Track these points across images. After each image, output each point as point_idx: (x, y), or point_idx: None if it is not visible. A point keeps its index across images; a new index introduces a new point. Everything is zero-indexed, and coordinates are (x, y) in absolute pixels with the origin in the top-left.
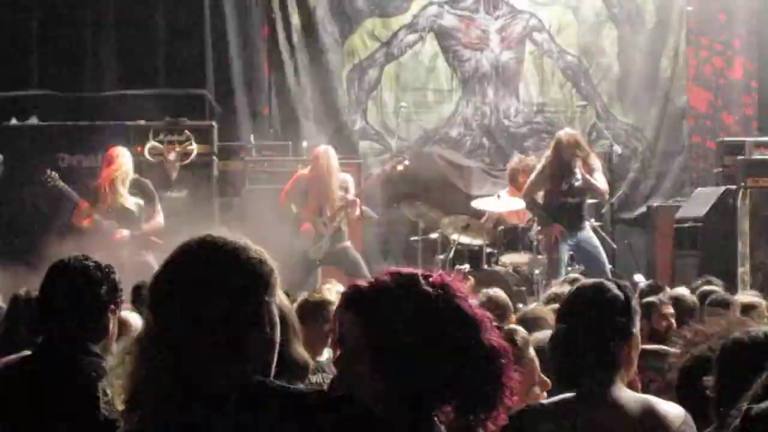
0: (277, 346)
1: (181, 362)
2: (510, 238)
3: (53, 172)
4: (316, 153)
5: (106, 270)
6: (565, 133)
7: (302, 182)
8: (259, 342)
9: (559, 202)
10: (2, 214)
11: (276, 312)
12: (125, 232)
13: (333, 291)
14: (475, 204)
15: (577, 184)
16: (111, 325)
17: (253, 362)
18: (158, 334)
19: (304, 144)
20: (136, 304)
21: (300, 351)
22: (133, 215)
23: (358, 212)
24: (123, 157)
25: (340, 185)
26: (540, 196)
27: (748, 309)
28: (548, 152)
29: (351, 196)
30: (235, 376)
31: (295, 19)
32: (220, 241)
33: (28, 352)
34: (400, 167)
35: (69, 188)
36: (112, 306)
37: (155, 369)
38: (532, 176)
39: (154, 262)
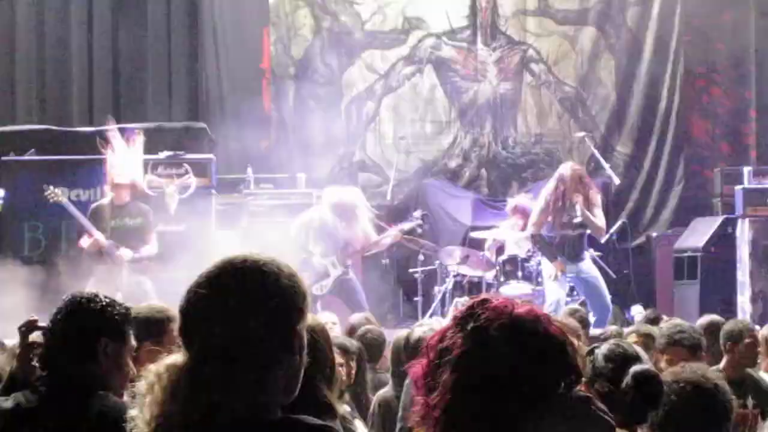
0: (302, 374)
1: (210, 390)
2: (510, 268)
3: (56, 188)
4: (348, 200)
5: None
6: (568, 167)
7: (316, 219)
8: (287, 369)
9: (560, 234)
10: (4, 248)
11: (305, 339)
12: (125, 252)
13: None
14: (475, 234)
15: (575, 221)
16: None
17: (280, 391)
18: (187, 361)
19: (302, 177)
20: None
21: (328, 394)
22: (132, 234)
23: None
24: (128, 184)
25: (361, 229)
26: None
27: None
28: (550, 184)
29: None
30: (262, 406)
31: (294, 52)
32: (252, 264)
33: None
34: (419, 230)
35: (73, 208)
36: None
37: (183, 398)
38: (536, 210)
39: (152, 289)
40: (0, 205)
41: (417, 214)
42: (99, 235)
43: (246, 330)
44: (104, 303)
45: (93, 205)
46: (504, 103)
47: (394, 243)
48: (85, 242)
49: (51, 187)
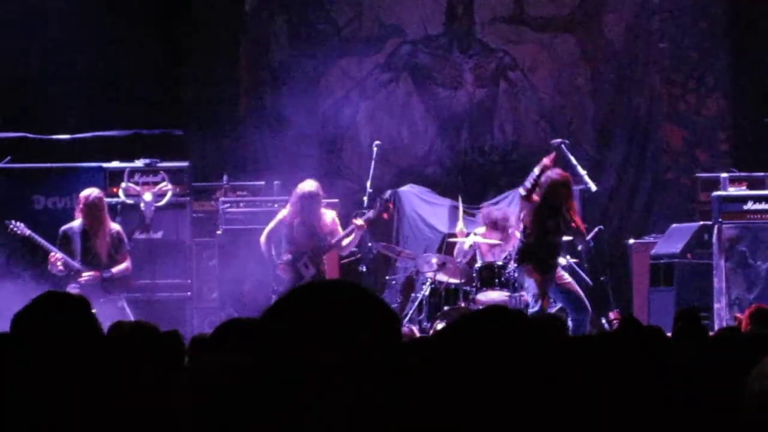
0: None
1: None
2: (486, 275)
3: (18, 223)
4: (301, 191)
5: None
6: (558, 174)
7: (283, 225)
8: None
9: (540, 240)
10: None
11: None
12: (94, 274)
13: None
14: (452, 240)
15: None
16: None
17: None
18: None
19: (277, 183)
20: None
21: None
22: (101, 262)
23: (348, 242)
24: (96, 203)
25: (326, 224)
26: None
27: None
28: (538, 190)
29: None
30: None
31: (270, 59)
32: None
33: None
34: (386, 215)
35: (38, 236)
36: None
37: None
38: (528, 220)
39: (127, 307)
40: None
41: (385, 196)
42: (67, 260)
43: None
44: None
45: (62, 229)
46: (480, 110)
47: (358, 236)
48: (53, 266)
49: (12, 222)
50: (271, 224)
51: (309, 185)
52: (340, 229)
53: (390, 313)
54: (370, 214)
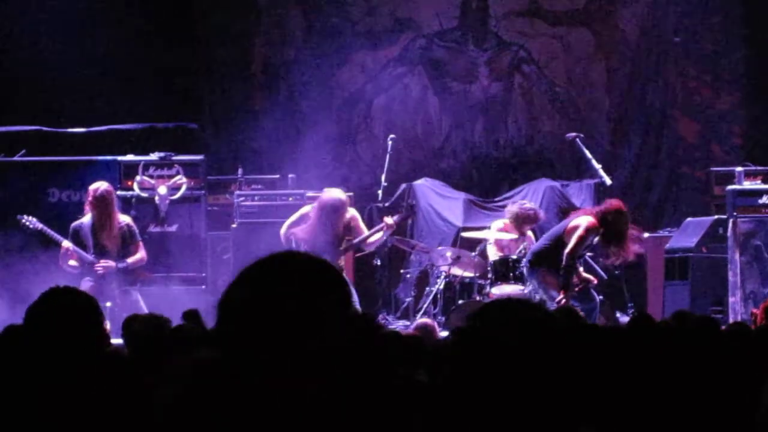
0: None
1: None
2: (501, 270)
3: (30, 217)
4: (328, 201)
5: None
6: (618, 204)
7: (305, 219)
8: None
9: (572, 259)
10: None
11: None
12: (110, 263)
13: None
14: (467, 235)
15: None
16: None
17: None
18: None
19: (292, 177)
20: (126, 337)
21: None
22: (112, 256)
23: (375, 240)
24: (107, 196)
25: (348, 223)
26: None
27: None
28: (596, 223)
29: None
30: None
31: (285, 52)
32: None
33: None
34: (410, 220)
35: (50, 230)
36: None
37: None
38: (578, 242)
39: (141, 299)
40: None
41: (399, 190)
42: (80, 252)
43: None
44: None
45: (72, 225)
46: (495, 104)
47: (386, 235)
48: (64, 260)
49: (25, 216)
50: (293, 217)
51: (336, 194)
52: (362, 226)
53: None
54: (397, 218)
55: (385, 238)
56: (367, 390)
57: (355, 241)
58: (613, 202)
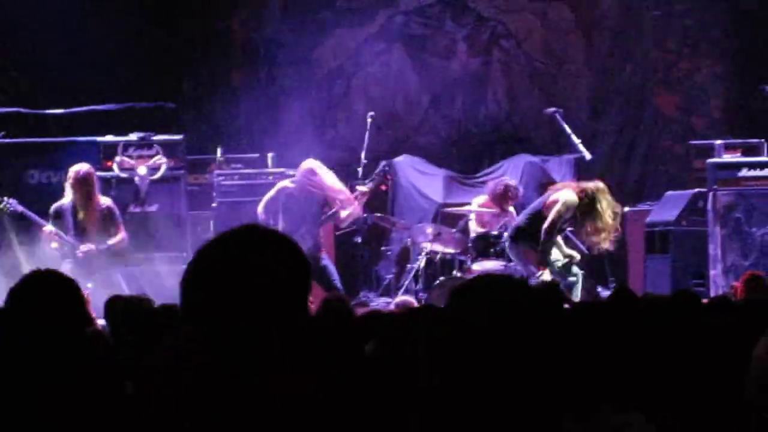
0: None
1: None
2: (482, 245)
3: (10, 199)
4: (306, 166)
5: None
6: (602, 186)
7: (282, 195)
8: None
9: (550, 235)
10: None
11: None
12: (91, 246)
13: None
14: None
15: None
16: None
17: None
18: None
19: (272, 156)
20: (108, 318)
21: None
22: (92, 237)
23: (348, 214)
24: (87, 177)
25: (325, 197)
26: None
27: None
28: (575, 198)
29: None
30: None
31: (265, 30)
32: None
33: None
34: (384, 187)
35: (31, 213)
36: None
37: None
38: (556, 217)
39: (123, 280)
40: None
41: (380, 167)
42: (61, 234)
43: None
44: None
45: (53, 207)
46: (474, 80)
47: (361, 204)
48: (46, 242)
49: (4, 198)
50: (270, 193)
51: (310, 162)
52: (340, 187)
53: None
54: (370, 184)
55: (360, 210)
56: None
57: (330, 212)
58: (598, 183)
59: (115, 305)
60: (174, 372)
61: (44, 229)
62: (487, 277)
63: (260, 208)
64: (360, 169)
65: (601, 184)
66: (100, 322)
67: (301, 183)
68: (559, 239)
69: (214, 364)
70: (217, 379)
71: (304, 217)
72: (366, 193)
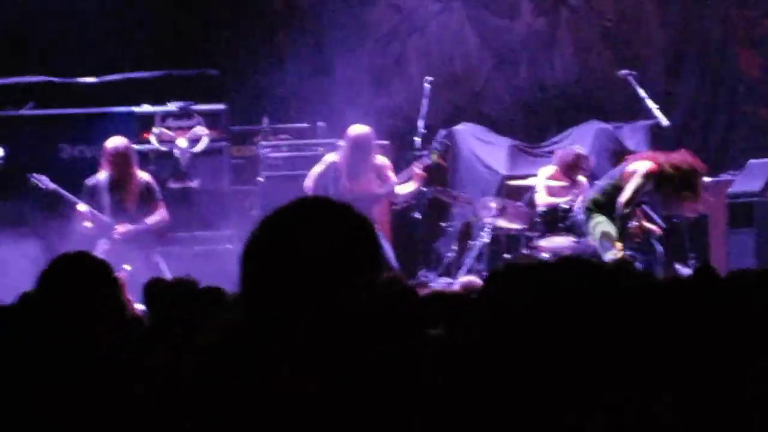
0: None
1: None
2: (550, 220)
3: (41, 176)
4: (353, 136)
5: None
6: (697, 164)
7: (332, 168)
8: None
9: (629, 208)
10: (5, 208)
11: None
12: (128, 225)
13: None
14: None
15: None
16: None
17: None
18: None
19: (321, 125)
20: (148, 303)
21: None
22: (132, 216)
23: (405, 192)
24: (124, 151)
25: (377, 171)
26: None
27: None
28: (655, 169)
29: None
30: None
31: None
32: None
33: None
34: (439, 160)
35: (62, 190)
36: None
37: None
38: (635, 190)
39: (162, 261)
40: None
41: (439, 137)
42: (96, 214)
43: None
44: None
45: (87, 182)
46: (539, 42)
47: (418, 184)
48: (80, 222)
49: (35, 175)
50: (318, 168)
51: (361, 129)
52: (392, 175)
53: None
54: (427, 159)
55: (416, 188)
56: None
57: (383, 191)
58: (687, 157)
59: (155, 288)
60: (174, 372)
61: (77, 207)
62: (532, 263)
63: (308, 183)
64: (417, 139)
65: (688, 158)
66: (139, 307)
67: (348, 153)
68: (637, 212)
69: (226, 360)
70: (218, 379)
71: (355, 193)
72: (422, 174)
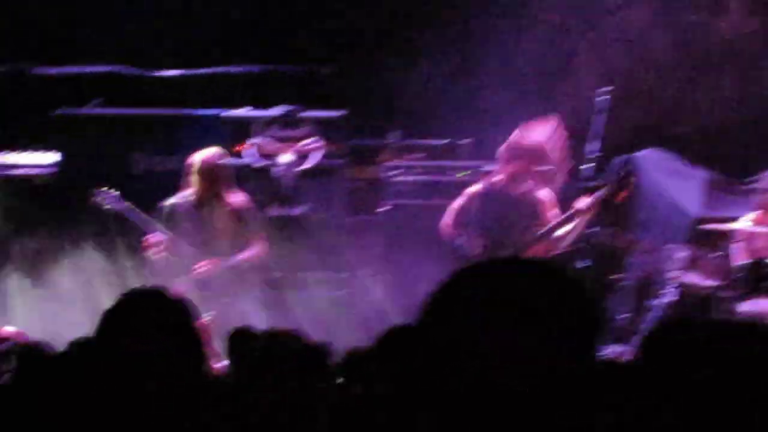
0: None
1: None
2: (753, 277)
3: (109, 191)
4: (513, 145)
5: None
6: None
7: (475, 202)
8: None
9: None
10: (58, 230)
11: None
12: (215, 260)
13: None
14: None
15: None
16: None
17: None
18: None
19: (465, 143)
20: (234, 359)
21: None
22: (223, 244)
23: (567, 233)
24: (215, 167)
25: (533, 207)
26: None
27: None
28: None
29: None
30: None
31: None
32: None
33: None
34: (623, 195)
35: (135, 212)
36: None
37: None
38: None
39: (257, 307)
40: (52, 174)
41: (615, 165)
42: (175, 244)
43: None
44: None
45: (166, 203)
46: (750, 47)
47: (580, 226)
48: (154, 253)
49: (102, 191)
50: (459, 201)
51: (522, 138)
52: (552, 212)
53: (587, 299)
54: (601, 192)
55: (579, 230)
56: None
57: (538, 233)
58: None
59: (242, 341)
60: None
61: (152, 234)
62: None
63: (447, 220)
64: (586, 166)
65: None
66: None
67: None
68: None
69: None
70: None
71: (505, 232)
72: (587, 210)
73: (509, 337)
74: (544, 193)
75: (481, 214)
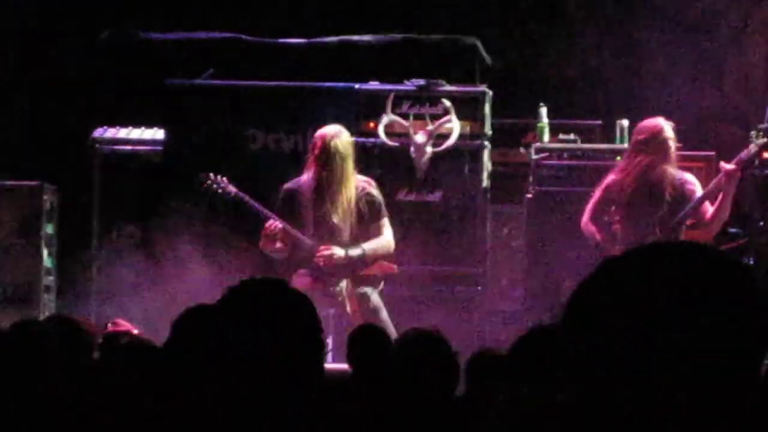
0: None
1: None
2: None
3: (220, 177)
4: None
5: None
6: None
7: (613, 192)
8: None
9: None
10: (168, 212)
11: None
12: (338, 250)
13: None
14: None
15: None
16: None
17: None
18: None
19: (623, 124)
20: (353, 359)
21: None
22: (343, 236)
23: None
24: (339, 147)
25: (680, 189)
26: None
27: None
28: None
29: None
30: None
31: None
32: None
33: None
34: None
35: (248, 198)
36: None
37: None
38: None
39: (382, 304)
40: (160, 152)
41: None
42: (292, 232)
43: None
44: None
45: (284, 187)
46: None
47: (731, 189)
48: (268, 242)
49: (212, 175)
50: (597, 195)
51: (655, 122)
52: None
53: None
54: (744, 153)
55: (727, 204)
56: None
57: (682, 213)
58: None
59: (364, 340)
60: None
61: (269, 221)
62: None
63: (585, 221)
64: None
65: None
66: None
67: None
68: None
69: None
70: None
71: (649, 219)
72: (733, 170)
73: (676, 335)
74: (689, 176)
75: (622, 207)
